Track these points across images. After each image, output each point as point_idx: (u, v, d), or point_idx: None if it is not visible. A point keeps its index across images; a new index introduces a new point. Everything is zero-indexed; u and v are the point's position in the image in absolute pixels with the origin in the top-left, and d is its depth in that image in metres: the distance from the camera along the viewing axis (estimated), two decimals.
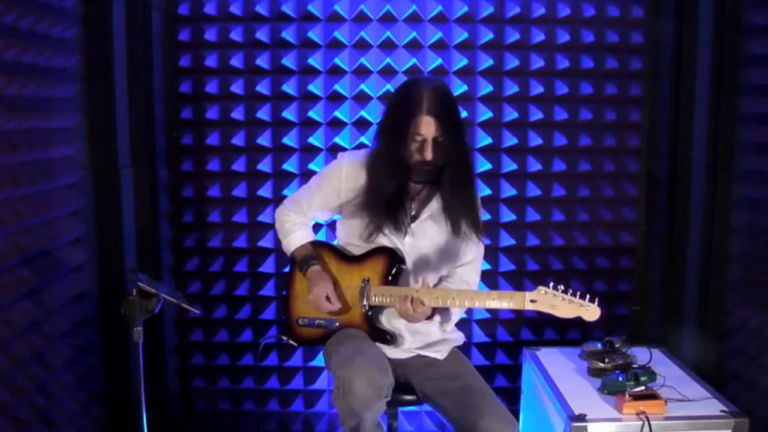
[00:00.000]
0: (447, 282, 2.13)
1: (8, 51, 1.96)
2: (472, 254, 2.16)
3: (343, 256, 2.15)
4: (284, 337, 2.21)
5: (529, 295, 1.91)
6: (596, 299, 1.89)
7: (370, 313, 2.07)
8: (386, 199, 2.01)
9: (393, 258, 2.06)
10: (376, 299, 2.04)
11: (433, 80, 2.03)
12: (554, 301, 1.89)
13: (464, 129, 2.05)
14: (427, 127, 1.92)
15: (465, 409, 1.95)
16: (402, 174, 2.00)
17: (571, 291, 1.89)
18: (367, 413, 1.85)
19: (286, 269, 2.80)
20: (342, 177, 2.09)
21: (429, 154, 1.94)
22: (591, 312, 1.89)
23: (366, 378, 1.82)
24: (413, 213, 2.09)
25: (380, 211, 2.02)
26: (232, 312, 2.88)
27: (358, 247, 2.12)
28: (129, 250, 2.67)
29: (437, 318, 2.08)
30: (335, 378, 1.88)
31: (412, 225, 2.08)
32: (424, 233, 2.09)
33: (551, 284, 1.90)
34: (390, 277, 2.06)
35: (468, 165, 2.08)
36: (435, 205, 2.09)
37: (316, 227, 2.69)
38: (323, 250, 2.18)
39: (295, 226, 2.18)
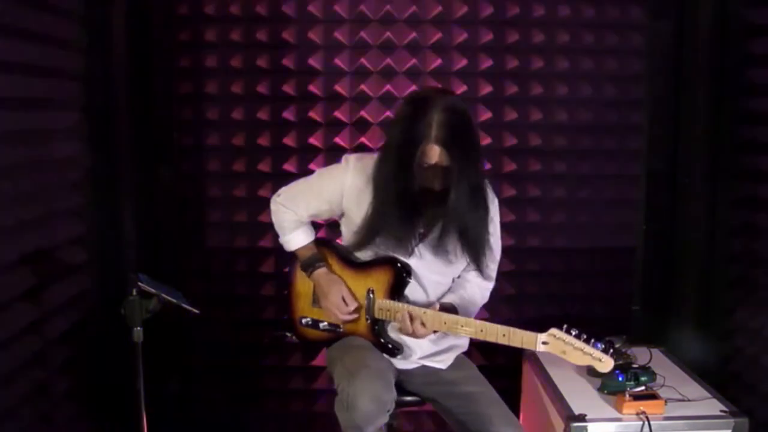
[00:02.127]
0: (460, 286, 2.06)
1: (8, 51, 1.96)
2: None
3: (348, 260, 2.08)
4: (288, 334, 2.19)
5: (541, 336, 1.82)
6: (610, 350, 1.81)
7: (375, 326, 2.03)
8: (388, 224, 1.91)
9: (399, 271, 1.98)
10: (381, 313, 2.00)
11: (445, 99, 1.82)
12: (565, 348, 1.80)
13: (478, 151, 1.90)
14: (435, 156, 1.78)
15: (471, 414, 1.93)
16: (408, 199, 1.86)
17: (584, 336, 1.80)
18: (369, 427, 1.83)
19: (287, 269, 2.81)
20: (346, 185, 1.98)
21: (438, 184, 1.82)
22: (604, 364, 1.79)
23: (370, 394, 1.79)
24: (422, 231, 1.98)
25: (381, 233, 1.93)
26: (232, 312, 2.88)
27: (362, 252, 2.06)
28: (129, 250, 2.67)
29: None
30: (339, 390, 1.86)
31: (420, 246, 1.99)
32: (431, 252, 1.99)
33: (564, 327, 1.81)
34: (395, 290, 1.99)
35: (477, 187, 1.90)
36: (447, 226, 1.95)
37: (316, 227, 2.68)
38: (327, 251, 2.12)
39: (293, 223, 2.11)
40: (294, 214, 2.10)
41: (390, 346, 2.03)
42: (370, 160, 1.96)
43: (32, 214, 2.12)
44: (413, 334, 1.93)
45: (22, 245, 2.05)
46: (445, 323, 1.90)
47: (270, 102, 2.78)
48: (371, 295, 2.01)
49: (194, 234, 2.86)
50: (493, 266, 2.10)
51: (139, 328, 1.84)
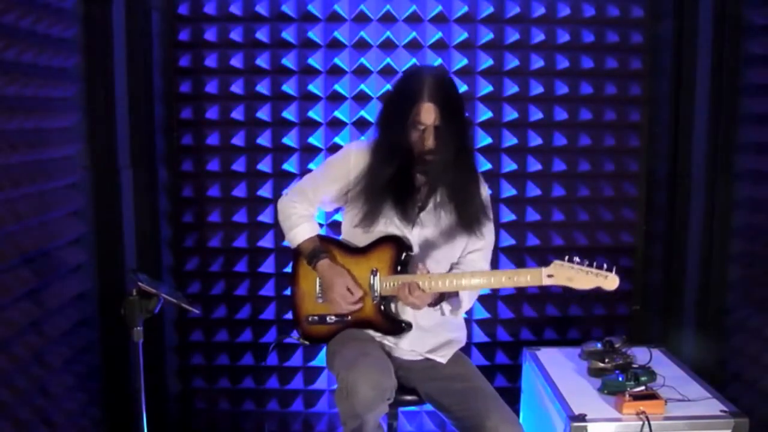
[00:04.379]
0: (456, 268, 2.10)
1: (8, 51, 1.96)
2: (482, 242, 2.13)
3: (349, 249, 2.12)
4: (295, 336, 2.19)
5: (545, 270, 1.88)
6: (614, 267, 1.85)
7: (382, 305, 2.05)
8: (389, 190, 1.99)
9: (400, 246, 2.03)
10: (387, 290, 2.01)
11: (435, 68, 2.03)
12: (571, 273, 1.86)
13: (465, 117, 2.03)
14: (428, 115, 1.90)
15: (469, 410, 1.94)
16: (405, 164, 1.97)
17: (587, 261, 1.86)
18: (369, 415, 1.84)
19: (286, 269, 2.81)
20: (350, 164, 2.06)
21: (430, 142, 1.92)
22: (609, 281, 1.85)
23: (369, 381, 1.81)
24: (420, 204, 2.06)
25: (383, 202, 2.00)
26: (232, 312, 2.88)
27: (362, 238, 2.09)
28: (129, 250, 2.67)
29: (446, 307, 2.06)
30: (338, 380, 1.87)
31: (421, 215, 2.05)
32: (432, 223, 2.06)
33: (566, 257, 1.87)
34: (399, 266, 2.03)
35: (469, 152, 2.05)
36: (442, 193, 2.05)
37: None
38: (329, 244, 2.15)
39: (301, 218, 2.14)
40: (302, 206, 2.15)
41: (400, 323, 2.06)
42: (368, 141, 2.10)
43: (32, 214, 2.12)
44: (411, 300, 1.95)
45: (22, 245, 2.05)
46: (449, 282, 1.95)
47: (270, 102, 2.78)
48: (375, 274, 2.02)
49: (194, 234, 2.86)
50: (484, 237, 2.12)
51: (139, 328, 1.85)
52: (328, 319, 2.11)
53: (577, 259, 1.86)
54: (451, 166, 1.97)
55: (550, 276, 1.88)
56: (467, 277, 1.95)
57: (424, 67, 2.06)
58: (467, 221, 2.04)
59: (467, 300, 2.08)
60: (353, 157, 2.07)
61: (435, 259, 2.08)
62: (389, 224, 2.05)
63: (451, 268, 2.12)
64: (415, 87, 1.91)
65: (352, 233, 2.12)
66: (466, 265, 2.12)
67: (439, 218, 2.06)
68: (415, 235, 2.06)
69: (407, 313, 2.08)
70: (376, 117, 2.09)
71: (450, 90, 1.95)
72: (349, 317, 2.09)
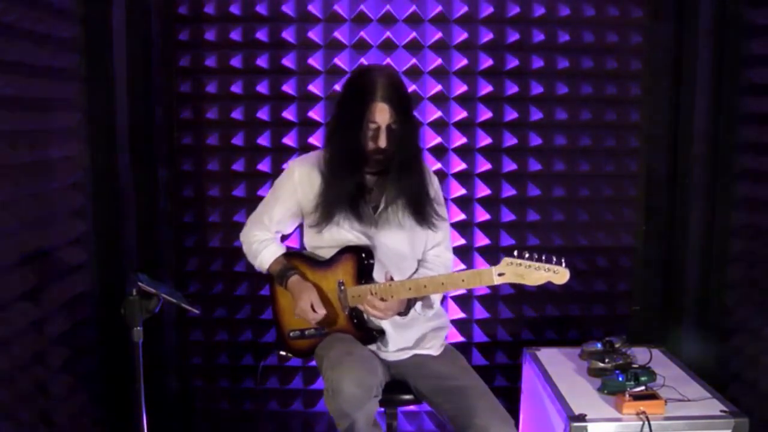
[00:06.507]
0: (424, 267, 2.14)
1: (8, 51, 1.96)
2: (441, 234, 2.17)
3: (315, 262, 2.13)
4: (282, 352, 2.21)
5: (495, 269, 1.87)
6: (563, 260, 1.83)
7: (354, 316, 2.06)
8: (346, 193, 2.00)
9: (360, 255, 2.04)
10: (354, 300, 2.03)
11: (385, 68, 2.07)
12: (521, 271, 1.84)
13: (414, 115, 2.06)
14: (382, 114, 1.92)
15: (459, 408, 1.95)
16: (359, 166, 2.00)
17: (536, 255, 1.84)
18: (358, 413, 1.86)
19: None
20: (295, 180, 2.10)
21: (383, 142, 1.94)
22: (560, 275, 1.83)
23: (354, 378, 1.83)
24: (373, 204, 2.08)
25: (339, 208, 2.02)
26: (232, 312, 2.88)
27: (325, 249, 2.11)
28: (129, 250, 2.67)
29: (418, 306, 2.08)
30: (325, 380, 1.90)
31: (379, 216, 2.07)
32: (389, 222, 2.08)
33: (515, 252, 1.85)
34: (362, 275, 2.04)
35: (417, 150, 2.08)
36: (392, 192, 2.07)
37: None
38: (296, 260, 2.16)
39: (262, 244, 2.17)
40: (260, 233, 2.19)
41: (372, 332, 2.07)
42: (311, 154, 2.15)
43: (32, 214, 2.12)
44: (377, 313, 1.97)
45: (22, 245, 2.05)
46: (410, 289, 1.96)
47: (270, 102, 2.78)
48: (342, 287, 2.04)
49: (194, 234, 2.86)
50: (442, 227, 2.17)
51: (139, 328, 1.84)
52: (306, 332, 2.13)
53: (526, 254, 1.84)
54: (405, 164, 2.00)
55: (501, 275, 1.86)
56: (425, 283, 1.95)
57: (373, 67, 2.08)
58: (422, 215, 2.07)
59: (437, 297, 2.13)
60: (297, 172, 2.10)
61: (400, 257, 2.10)
62: (349, 229, 2.06)
63: (418, 265, 2.15)
64: (367, 87, 1.93)
65: (313, 244, 2.14)
66: (433, 260, 2.16)
67: (396, 216, 2.08)
68: (375, 237, 2.07)
69: (379, 320, 2.09)
70: (329, 122, 2.11)
71: (401, 89, 1.98)
72: (326, 329, 2.10)
